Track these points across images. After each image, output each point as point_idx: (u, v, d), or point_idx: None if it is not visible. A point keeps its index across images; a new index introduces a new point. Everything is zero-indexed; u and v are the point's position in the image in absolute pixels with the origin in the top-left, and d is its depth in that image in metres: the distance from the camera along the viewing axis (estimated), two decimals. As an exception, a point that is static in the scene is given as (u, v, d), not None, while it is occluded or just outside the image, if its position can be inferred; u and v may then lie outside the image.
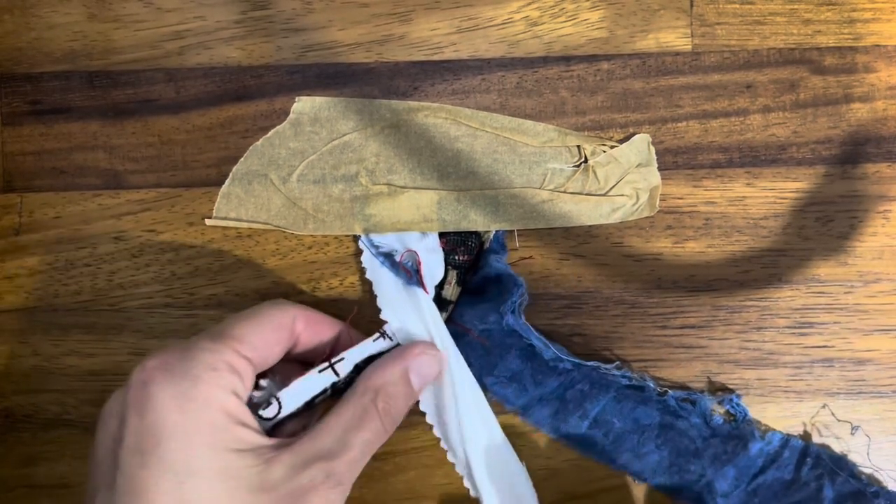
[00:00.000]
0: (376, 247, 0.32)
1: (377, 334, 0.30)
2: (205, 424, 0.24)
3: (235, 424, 0.25)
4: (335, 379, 0.28)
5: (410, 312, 0.30)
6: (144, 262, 0.33)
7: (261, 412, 0.27)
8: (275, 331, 0.28)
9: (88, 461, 0.27)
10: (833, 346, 0.32)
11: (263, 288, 0.33)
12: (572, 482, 0.32)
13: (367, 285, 0.32)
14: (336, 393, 0.29)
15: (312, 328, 0.29)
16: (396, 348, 0.30)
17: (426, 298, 0.30)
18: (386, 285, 0.31)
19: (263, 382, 0.28)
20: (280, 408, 0.27)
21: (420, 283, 0.30)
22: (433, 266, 0.31)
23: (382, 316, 0.30)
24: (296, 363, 0.30)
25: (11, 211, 0.33)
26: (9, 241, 0.33)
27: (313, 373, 0.28)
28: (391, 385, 0.28)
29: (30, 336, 0.33)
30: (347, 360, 0.29)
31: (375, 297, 0.31)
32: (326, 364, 0.29)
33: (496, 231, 0.32)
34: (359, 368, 0.29)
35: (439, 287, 0.31)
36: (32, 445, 0.32)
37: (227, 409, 0.25)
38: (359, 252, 0.32)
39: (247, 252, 0.33)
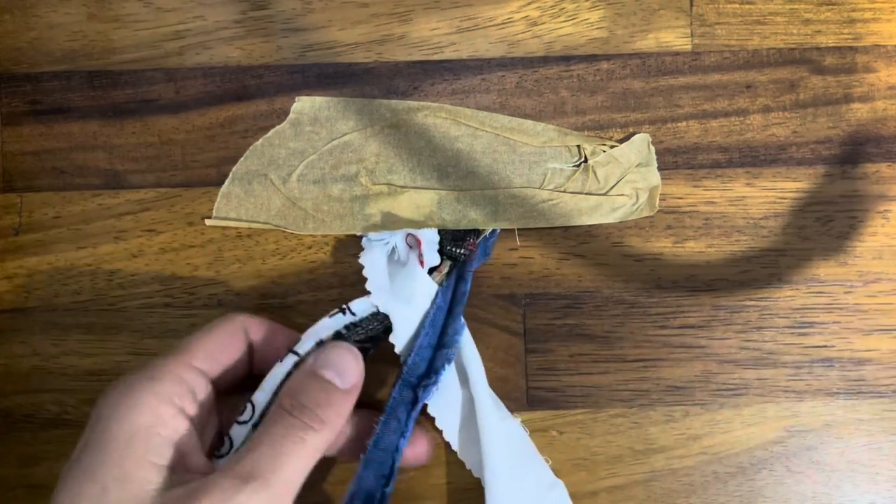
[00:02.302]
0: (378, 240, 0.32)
1: (335, 310, 0.30)
2: (128, 434, 0.25)
3: (159, 434, 0.25)
4: (297, 359, 0.29)
5: (403, 294, 0.30)
6: (144, 262, 0.33)
7: (238, 418, 0.28)
8: (225, 338, 0.29)
9: None
10: (833, 346, 0.32)
11: (263, 288, 0.33)
12: (572, 482, 0.32)
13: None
14: None
15: (268, 337, 0.30)
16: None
17: (422, 279, 0.30)
18: (378, 268, 0.31)
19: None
20: (254, 409, 0.28)
21: (419, 258, 0.31)
22: (431, 248, 0.31)
23: (372, 300, 0.30)
24: None
25: (11, 211, 0.33)
26: (9, 241, 0.33)
27: (276, 365, 0.29)
28: (296, 381, 0.28)
29: (29, 336, 0.33)
30: (305, 341, 0.29)
31: (365, 280, 0.31)
32: (287, 351, 0.29)
33: (489, 238, 0.32)
34: (321, 343, 0.29)
35: (429, 272, 0.31)
36: (32, 445, 0.32)
37: (158, 417, 0.26)
38: (359, 252, 0.32)
39: (247, 252, 0.33)
